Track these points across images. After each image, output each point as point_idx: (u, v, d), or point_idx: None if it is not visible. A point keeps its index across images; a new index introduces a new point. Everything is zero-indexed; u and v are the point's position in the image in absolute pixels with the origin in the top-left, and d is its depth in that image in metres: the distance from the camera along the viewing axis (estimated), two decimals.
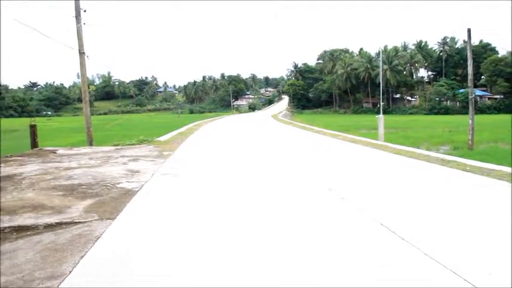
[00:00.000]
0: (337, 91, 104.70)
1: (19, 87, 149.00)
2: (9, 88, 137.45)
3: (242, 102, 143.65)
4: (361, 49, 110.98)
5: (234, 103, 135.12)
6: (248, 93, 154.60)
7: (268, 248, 5.01)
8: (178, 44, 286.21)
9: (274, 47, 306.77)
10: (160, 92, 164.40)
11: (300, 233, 5.56)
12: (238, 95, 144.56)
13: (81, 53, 20.88)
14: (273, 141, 23.18)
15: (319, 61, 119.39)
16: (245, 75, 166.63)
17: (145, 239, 5.49)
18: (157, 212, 6.98)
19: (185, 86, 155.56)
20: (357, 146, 18.01)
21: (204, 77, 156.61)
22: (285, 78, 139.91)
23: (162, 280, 4.17)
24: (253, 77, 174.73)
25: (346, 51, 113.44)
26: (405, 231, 5.46)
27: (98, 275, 4.33)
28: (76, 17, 20.36)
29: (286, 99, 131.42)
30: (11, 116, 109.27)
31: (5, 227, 6.16)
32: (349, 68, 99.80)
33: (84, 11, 20.60)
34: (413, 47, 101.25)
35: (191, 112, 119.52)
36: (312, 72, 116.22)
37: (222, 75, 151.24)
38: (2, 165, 13.18)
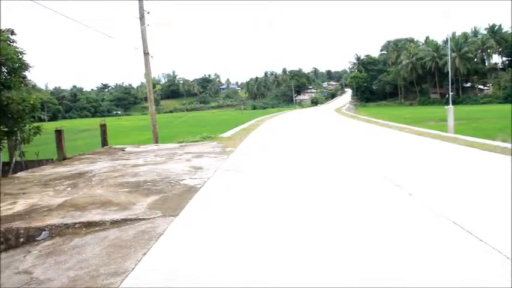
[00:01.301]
0: (402, 82, 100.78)
1: (92, 89, 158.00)
2: (84, 90, 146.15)
3: (304, 96, 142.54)
4: (427, 37, 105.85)
5: (296, 98, 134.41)
6: (310, 87, 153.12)
7: (335, 246, 4.80)
8: (241, 41, 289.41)
9: (336, 39, 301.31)
10: (223, 89, 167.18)
11: (376, 239, 5.29)
12: (300, 89, 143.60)
13: (146, 54, 21.58)
14: (335, 135, 22.68)
15: (383, 52, 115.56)
16: (307, 69, 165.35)
17: (206, 236, 5.47)
18: (219, 209, 6.97)
19: (247, 82, 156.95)
20: (425, 139, 17.14)
21: (266, 73, 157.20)
22: (348, 71, 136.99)
23: (223, 279, 4.10)
24: (315, 71, 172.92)
25: (411, 40, 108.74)
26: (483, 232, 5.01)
27: (159, 273, 4.34)
28: (140, 18, 21.07)
29: (349, 92, 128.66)
30: (86, 116, 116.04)
31: (76, 223, 6.42)
32: (414, 58, 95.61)
33: (148, 12, 21.29)
34: (485, 32, 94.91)
35: (254, 108, 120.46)
36: (375, 63, 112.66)
37: (284, 70, 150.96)
38: (76, 162, 13.91)
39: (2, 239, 6.15)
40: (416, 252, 4.52)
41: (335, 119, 44.10)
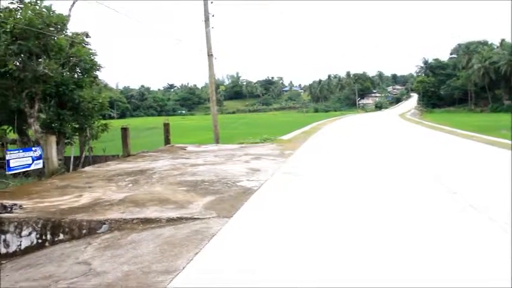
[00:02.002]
0: (472, 88, 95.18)
1: (159, 89, 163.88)
2: (151, 90, 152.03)
3: (368, 100, 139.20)
4: (503, 40, 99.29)
5: (360, 102, 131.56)
6: (374, 91, 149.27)
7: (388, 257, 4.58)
8: (304, 43, 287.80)
9: (402, 42, 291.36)
10: (285, 91, 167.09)
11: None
12: (364, 93, 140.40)
13: (210, 56, 22.03)
14: (398, 140, 21.85)
15: (452, 55, 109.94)
16: (371, 72, 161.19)
17: (258, 240, 5.43)
18: (273, 212, 6.91)
19: (310, 85, 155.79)
20: (498, 150, 16.03)
21: (329, 76, 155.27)
22: (414, 75, 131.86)
23: (271, 284, 4.04)
24: (380, 75, 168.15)
25: (485, 43, 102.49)
26: None
27: (209, 273, 4.36)
28: (205, 21, 21.55)
29: (415, 97, 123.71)
30: (152, 114, 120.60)
31: (134, 218, 6.63)
32: (487, 62, 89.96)
33: (213, 15, 21.73)
34: None
35: (316, 111, 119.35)
36: (444, 68, 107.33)
37: (348, 74, 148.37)
38: (139, 159, 14.45)
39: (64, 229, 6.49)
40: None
41: (398, 124, 42.60)
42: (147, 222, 6.49)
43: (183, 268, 4.49)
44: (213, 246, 5.20)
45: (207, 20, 21.64)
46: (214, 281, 4.17)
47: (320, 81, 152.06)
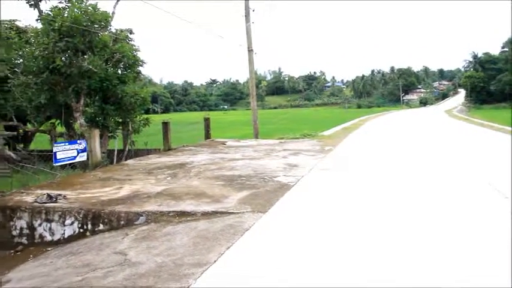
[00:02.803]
0: None
1: (201, 84, 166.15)
2: (194, 85, 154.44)
3: (413, 96, 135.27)
4: None
5: (404, 97, 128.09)
6: (419, 86, 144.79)
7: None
8: (348, 37, 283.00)
9: (449, 35, 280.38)
10: (328, 86, 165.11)
11: None
12: (408, 89, 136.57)
13: (250, 51, 22.07)
14: (443, 137, 21.09)
15: (504, 49, 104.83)
16: (417, 67, 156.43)
17: (291, 236, 5.38)
18: (308, 209, 6.83)
19: (353, 81, 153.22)
20: None
21: (372, 71, 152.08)
22: (462, 69, 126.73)
23: (302, 280, 3.99)
24: (426, 70, 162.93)
25: None
26: None
27: (239, 268, 4.37)
28: (245, 16, 21.58)
29: (462, 93, 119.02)
30: (194, 109, 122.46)
31: (170, 211, 6.75)
32: None
33: (253, 10, 21.74)
34: None
35: (358, 107, 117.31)
36: (495, 62, 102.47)
37: (392, 69, 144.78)
38: (179, 153, 14.70)
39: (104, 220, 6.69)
40: None
41: (443, 120, 41.12)
42: (182, 215, 6.59)
43: (214, 262, 4.52)
44: (245, 241, 5.21)
45: (247, 15, 21.67)
46: (244, 276, 4.17)
47: (363, 76, 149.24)
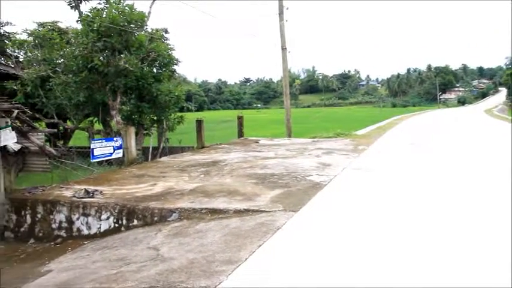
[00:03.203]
0: None
1: (235, 83, 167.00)
2: (228, 83, 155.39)
3: (450, 95, 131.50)
4: None
5: (441, 97, 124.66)
6: (457, 85, 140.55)
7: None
8: (383, 35, 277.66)
9: (489, 32, 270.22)
10: (362, 85, 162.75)
11: None
12: (445, 87, 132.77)
13: (283, 49, 22.01)
14: (484, 138, 20.37)
15: None
16: (455, 65, 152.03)
17: (323, 236, 5.34)
18: (340, 208, 6.76)
19: (388, 79, 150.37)
20: None
21: (408, 69, 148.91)
22: (504, 67, 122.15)
23: (333, 281, 3.95)
24: (464, 68, 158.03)
25: None
26: None
27: (270, 266, 4.37)
28: (279, 14, 21.54)
29: (503, 92, 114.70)
30: (228, 108, 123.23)
31: (203, 208, 6.82)
32: None
33: (287, 8, 21.66)
34: None
35: (393, 106, 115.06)
36: None
37: (428, 67, 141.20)
38: (213, 151, 14.83)
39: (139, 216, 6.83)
40: None
41: (484, 120, 39.72)
42: (214, 212, 6.64)
43: (245, 260, 4.53)
44: (277, 240, 5.20)
45: (281, 13, 21.62)
46: (275, 274, 4.16)
47: (398, 75, 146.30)
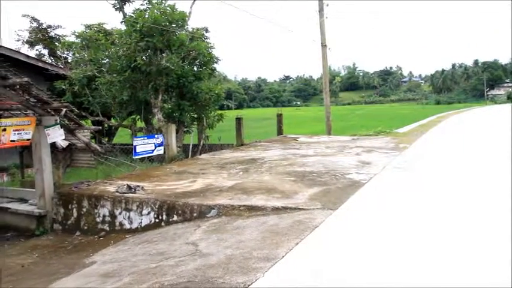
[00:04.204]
0: None
1: (275, 80, 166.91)
2: (267, 81, 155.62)
3: (499, 91, 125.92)
4: None
5: (489, 93, 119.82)
6: (507, 81, 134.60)
7: None
8: (426, 30, 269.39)
9: None
10: (404, 82, 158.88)
11: None
12: (494, 83, 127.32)
13: (324, 46, 21.81)
14: None
15: None
16: (504, 60, 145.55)
17: (362, 235, 5.26)
18: (380, 208, 6.63)
19: (432, 75, 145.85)
20: None
21: (453, 65, 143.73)
22: None
23: (371, 282, 3.90)
24: None
25: None
26: None
27: (307, 264, 4.36)
28: (319, 11, 21.35)
29: None
30: (267, 105, 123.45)
31: (241, 205, 6.88)
32: None
33: (327, 5, 21.44)
34: None
35: (437, 103, 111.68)
36: None
37: (475, 62, 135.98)
38: (252, 148, 14.91)
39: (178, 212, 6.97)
40: None
41: None
42: (253, 209, 6.69)
43: (282, 257, 4.54)
44: (314, 238, 5.17)
45: (321, 10, 21.43)
46: (312, 272, 4.15)
47: (443, 70, 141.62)
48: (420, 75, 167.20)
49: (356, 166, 10.55)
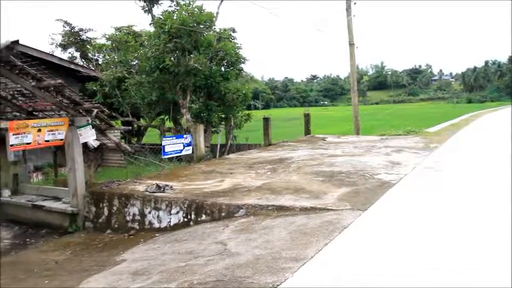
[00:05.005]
0: None
1: (302, 80, 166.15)
2: (294, 81, 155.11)
3: None
4: None
5: None
6: None
7: None
8: (458, 26, 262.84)
9: None
10: (434, 80, 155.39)
11: None
12: None
13: (351, 45, 21.57)
14: None
15: None
16: None
17: (392, 237, 5.17)
18: (411, 209, 6.50)
19: (463, 73, 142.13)
20: None
21: (486, 62, 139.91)
22: None
23: (400, 282, 3.83)
24: None
25: None
26: None
27: (337, 265, 4.32)
28: (346, 9, 21.12)
29: None
30: (294, 105, 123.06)
31: (269, 205, 6.87)
32: None
33: (355, 3, 21.18)
34: None
35: (469, 102, 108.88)
36: None
37: (510, 59, 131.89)
38: (279, 148, 14.88)
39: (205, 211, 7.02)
40: None
41: None
42: (281, 209, 6.67)
43: (311, 257, 4.51)
44: (344, 239, 5.11)
45: (348, 8, 21.19)
46: (341, 273, 4.11)
47: (475, 68, 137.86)
48: (451, 74, 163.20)
49: (385, 166, 10.39)
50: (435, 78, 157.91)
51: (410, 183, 8.44)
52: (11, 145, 8.42)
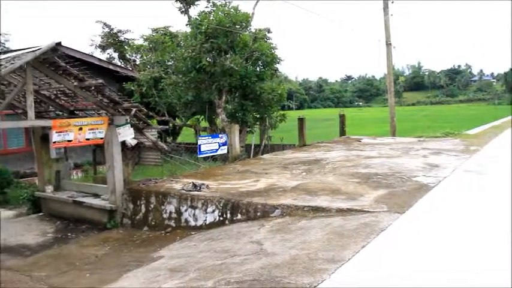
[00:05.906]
0: None
1: (336, 81, 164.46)
2: (328, 81, 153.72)
3: None
4: None
5: None
6: None
7: None
8: (500, 23, 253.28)
9: None
10: (474, 81, 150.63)
11: None
12: None
13: (388, 44, 21.20)
14: None
15: None
16: None
17: (431, 240, 5.06)
18: (450, 213, 6.33)
19: (505, 73, 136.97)
20: None
21: None
22: None
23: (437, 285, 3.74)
24: None
25: None
26: None
27: (374, 268, 4.26)
28: (384, 9, 20.76)
29: None
30: (329, 106, 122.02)
31: (305, 206, 6.84)
32: None
33: (392, 2, 20.82)
34: None
35: (511, 103, 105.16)
36: None
37: None
38: (314, 149, 14.80)
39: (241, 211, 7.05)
40: None
41: None
42: (317, 210, 6.63)
43: (349, 259, 4.46)
44: (381, 241, 5.03)
45: (385, 7, 20.84)
46: (378, 276, 4.05)
47: None
48: (492, 74, 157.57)
49: (423, 169, 10.15)
50: (475, 78, 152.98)
51: (449, 186, 8.22)
52: (54, 142, 8.73)
